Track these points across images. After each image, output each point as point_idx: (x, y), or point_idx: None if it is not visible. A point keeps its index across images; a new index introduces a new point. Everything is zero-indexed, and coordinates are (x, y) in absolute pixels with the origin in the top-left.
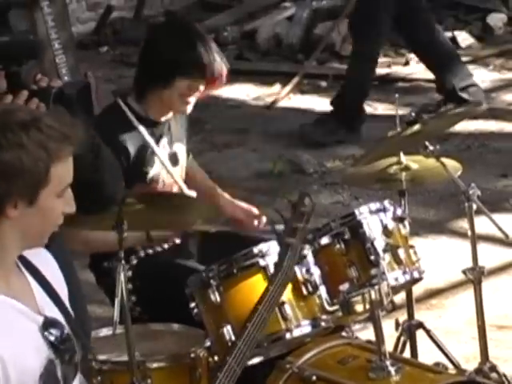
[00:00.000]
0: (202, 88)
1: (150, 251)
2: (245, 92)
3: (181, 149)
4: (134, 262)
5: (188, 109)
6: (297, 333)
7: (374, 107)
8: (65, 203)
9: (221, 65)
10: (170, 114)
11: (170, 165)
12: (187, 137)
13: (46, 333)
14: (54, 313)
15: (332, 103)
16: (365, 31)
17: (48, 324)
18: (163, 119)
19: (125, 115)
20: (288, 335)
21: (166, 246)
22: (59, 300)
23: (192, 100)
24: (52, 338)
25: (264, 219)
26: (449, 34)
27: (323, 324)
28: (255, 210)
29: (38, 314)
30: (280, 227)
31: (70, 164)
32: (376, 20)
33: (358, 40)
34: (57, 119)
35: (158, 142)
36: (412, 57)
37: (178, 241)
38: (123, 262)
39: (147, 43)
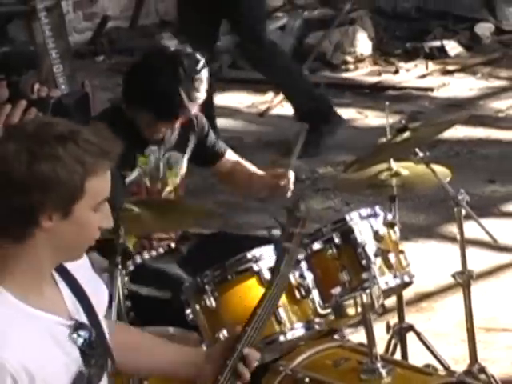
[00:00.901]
0: (163, 130)
1: (146, 256)
2: (238, 100)
3: (176, 157)
4: (131, 267)
5: (160, 136)
6: (290, 335)
7: (365, 115)
8: (101, 218)
9: (197, 104)
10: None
11: (156, 172)
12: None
13: (74, 336)
14: (83, 318)
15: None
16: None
17: (77, 328)
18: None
19: (117, 117)
20: (282, 338)
21: (161, 251)
22: (90, 307)
23: (163, 132)
24: (79, 343)
25: (291, 182)
26: (437, 43)
27: (316, 327)
28: (279, 171)
29: (68, 320)
30: (276, 232)
31: (107, 179)
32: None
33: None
34: (95, 134)
35: (144, 148)
36: (402, 65)
37: (172, 245)
38: (120, 267)
39: (132, 70)
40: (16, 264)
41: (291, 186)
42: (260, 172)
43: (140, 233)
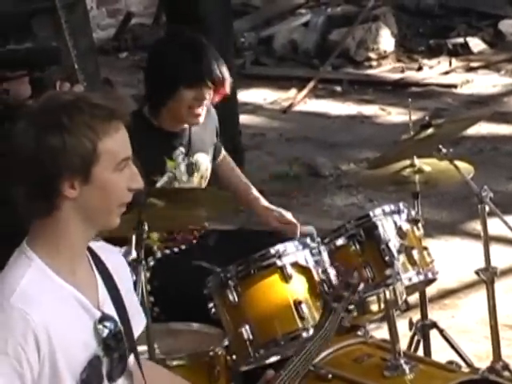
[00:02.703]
0: (208, 97)
1: (168, 252)
2: (261, 96)
3: (203, 158)
4: (152, 263)
5: (199, 120)
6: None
7: (388, 111)
8: (127, 178)
9: (222, 72)
10: (186, 125)
11: (185, 175)
12: (216, 142)
13: (99, 327)
14: (112, 311)
15: None
16: None
17: (104, 319)
18: (178, 130)
19: (141, 123)
20: (305, 334)
21: (183, 246)
22: (120, 301)
23: (201, 111)
24: (104, 335)
25: (298, 227)
26: (461, 40)
27: None
28: (289, 217)
29: (96, 309)
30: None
31: (123, 137)
32: None
33: None
34: (103, 96)
35: (172, 152)
36: (425, 62)
37: (195, 241)
38: (143, 262)
39: (150, 58)
40: (48, 237)
41: (298, 231)
42: (264, 202)
43: (164, 228)
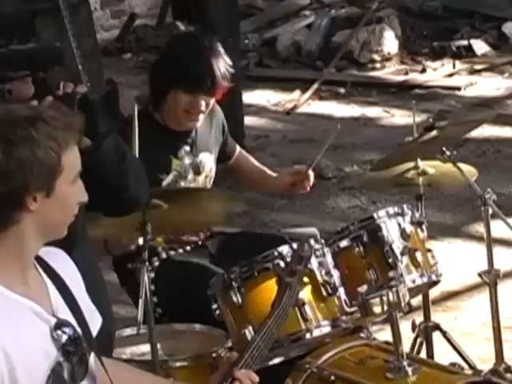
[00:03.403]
0: (203, 104)
1: (172, 253)
2: (265, 98)
3: (207, 158)
4: (156, 263)
5: (195, 125)
6: (316, 333)
7: (392, 113)
8: (79, 192)
9: (221, 79)
10: (195, 125)
11: (190, 174)
12: (223, 142)
13: (56, 333)
14: (67, 315)
15: None
16: None
17: (59, 325)
18: (184, 129)
19: (148, 123)
20: (308, 335)
21: (187, 247)
22: (74, 303)
23: (198, 117)
24: (63, 340)
25: (311, 179)
26: (465, 42)
27: (342, 325)
28: (301, 168)
29: (51, 316)
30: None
31: (77, 151)
32: None
33: None
34: (57, 110)
35: (178, 150)
36: (429, 64)
37: (199, 242)
38: (147, 263)
39: (161, 53)
40: (0, 252)
41: (310, 182)
42: (273, 173)
43: (168, 229)
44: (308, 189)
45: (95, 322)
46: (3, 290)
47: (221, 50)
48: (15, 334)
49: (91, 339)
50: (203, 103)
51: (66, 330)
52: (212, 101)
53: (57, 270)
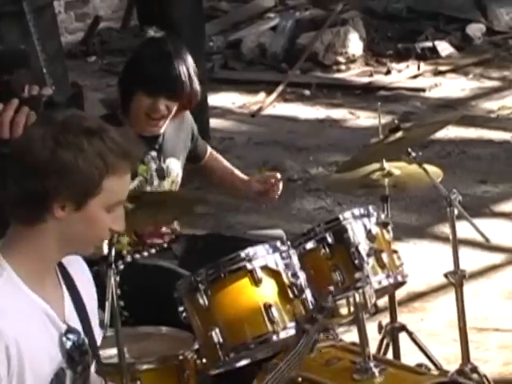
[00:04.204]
0: (163, 108)
1: (137, 256)
2: (230, 100)
3: (174, 164)
4: (121, 267)
5: (158, 130)
6: (283, 335)
7: (357, 115)
8: (113, 220)
9: (186, 89)
10: (156, 130)
11: (156, 179)
12: (192, 147)
13: (63, 340)
14: (77, 325)
15: None
16: None
17: (68, 332)
18: (148, 134)
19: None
20: (275, 337)
21: (152, 250)
22: (85, 314)
23: (159, 122)
24: (67, 346)
25: (280, 183)
26: (429, 44)
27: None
28: (269, 174)
29: (62, 322)
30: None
31: (126, 181)
32: None
33: None
34: (122, 135)
35: (144, 156)
36: (393, 66)
37: (164, 245)
38: (113, 266)
39: (129, 57)
40: (23, 246)
41: (279, 191)
42: (243, 176)
43: (135, 229)
44: (276, 198)
45: (99, 336)
46: (21, 284)
47: (186, 54)
48: (27, 330)
49: (96, 351)
50: (163, 107)
51: (71, 336)
52: (174, 106)
53: (74, 279)
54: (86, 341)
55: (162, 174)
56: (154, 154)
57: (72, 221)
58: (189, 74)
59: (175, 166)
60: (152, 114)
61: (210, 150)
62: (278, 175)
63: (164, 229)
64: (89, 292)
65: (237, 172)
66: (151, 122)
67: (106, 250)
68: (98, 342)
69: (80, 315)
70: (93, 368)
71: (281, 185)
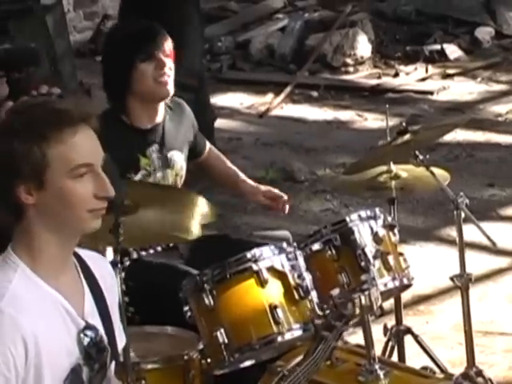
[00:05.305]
0: (168, 64)
1: (143, 253)
2: (238, 101)
3: (178, 156)
4: (127, 263)
5: (169, 89)
6: (288, 336)
7: (365, 117)
8: (91, 185)
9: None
10: (157, 118)
11: (159, 171)
12: (193, 140)
13: (81, 336)
14: (97, 322)
15: None
16: None
17: (86, 328)
18: (150, 126)
19: (114, 123)
20: (280, 338)
21: (158, 248)
22: (106, 311)
23: (167, 79)
24: (85, 343)
25: (286, 201)
26: (438, 47)
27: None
28: (278, 193)
29: (81, 319)
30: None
31: (81, 143)
32: None
33: None
34: (64, 102)
35: (146, 149)
36: (402, 68)
37: (170, 244)
38: (119, 263)
39: (105, 46)
40: (27, 243)
41: (286, 208)
42: (250, 181)
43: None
44: (286, 212)
45: (120, 338)
46: (36, 279)
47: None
48: (44, 324)
49: (115, 350)
50: (167, 63)
51: (89, 333)
52: (172, 63)
53: (97, 276)
54: (105, 338)
55: (166, 163)
56: (156, 146)
57: (45, 201)
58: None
59: (179, 159)
60: (160, 75)
61: (209, 145)
62: (285, 197)
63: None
64: (111, 288)
65: (242, 176)
66: (162, 82)
67: (110, 256)
68: (120, 344)
69: (101, 312)
70: (112, 368)
71: (287, 207)
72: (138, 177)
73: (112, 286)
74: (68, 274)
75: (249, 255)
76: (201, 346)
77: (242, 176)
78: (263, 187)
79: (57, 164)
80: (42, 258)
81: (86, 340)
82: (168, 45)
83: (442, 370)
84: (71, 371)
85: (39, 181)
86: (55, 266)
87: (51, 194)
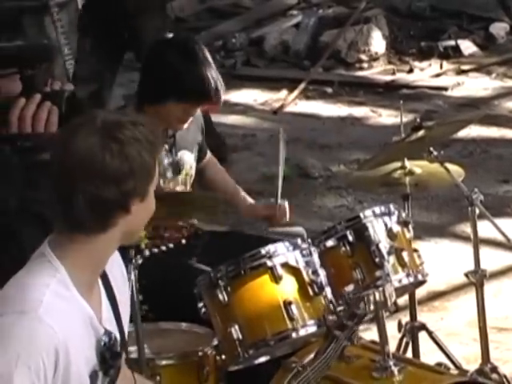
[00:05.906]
0: (197, 111)
1: (156, 250)
2: (252, 97)
3: (188, 156)
4: (140, 261)
5: (182, 127)
6: (303, 332)
7: (379, 113)
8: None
9: (217, 90)
10: (182, 128)
11: (169, 172)
12: (201, 142)
13: (100, 342)
14: (112, 325)
15: None
16: None
17: (104, 335)
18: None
19: None
20: (294, 334)
21: (171, 245)
22: (117, 311)
23: (187, 120)
24: (101, 349)
25: (287, 213)
26: (452, 43)
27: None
28: (273, 204)
29: (100, 325)
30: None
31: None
32: None
33: None
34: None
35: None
36: (416, 64)
37: (183, 240)
38: (133, 261)
39: (150, 58)
40: (81, 251)
41: (287, 215)
42: (249, 199)
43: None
44: (288, 219)
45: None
46: (73, 288)
47: (208, 53)
48: (75, 337)
49: (126, 350)
50: (196, 111)
51: (105, 338)
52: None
53: (109, 276)
54: (118, 339)
55: (177, 168)
56: (166, 146)
57: (138, 212)
58: (218, 77)
59: (188, 158)
60: (185, 118)
61: (209, 154)
62: (286, 204)
63: (181, 222)
64: (121, 291)
65: (242, 192)
66: (181, 123)
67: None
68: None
69: (114, 313)
70: (123, 362)
71: (288, 214)
72: None
73: (123, 284)
74: (96, 284)
75: (263, 251)
76: (215, 342)
77: (242, 193)
78: (259, 205)
79: (156, 174)
80: (87, 267)
81: (102, 345)
82: (215, 97)
83: (457, 367)
84: (89, 378)
85: (145, 192)
86: (93, 280)
87: (146, 204)
